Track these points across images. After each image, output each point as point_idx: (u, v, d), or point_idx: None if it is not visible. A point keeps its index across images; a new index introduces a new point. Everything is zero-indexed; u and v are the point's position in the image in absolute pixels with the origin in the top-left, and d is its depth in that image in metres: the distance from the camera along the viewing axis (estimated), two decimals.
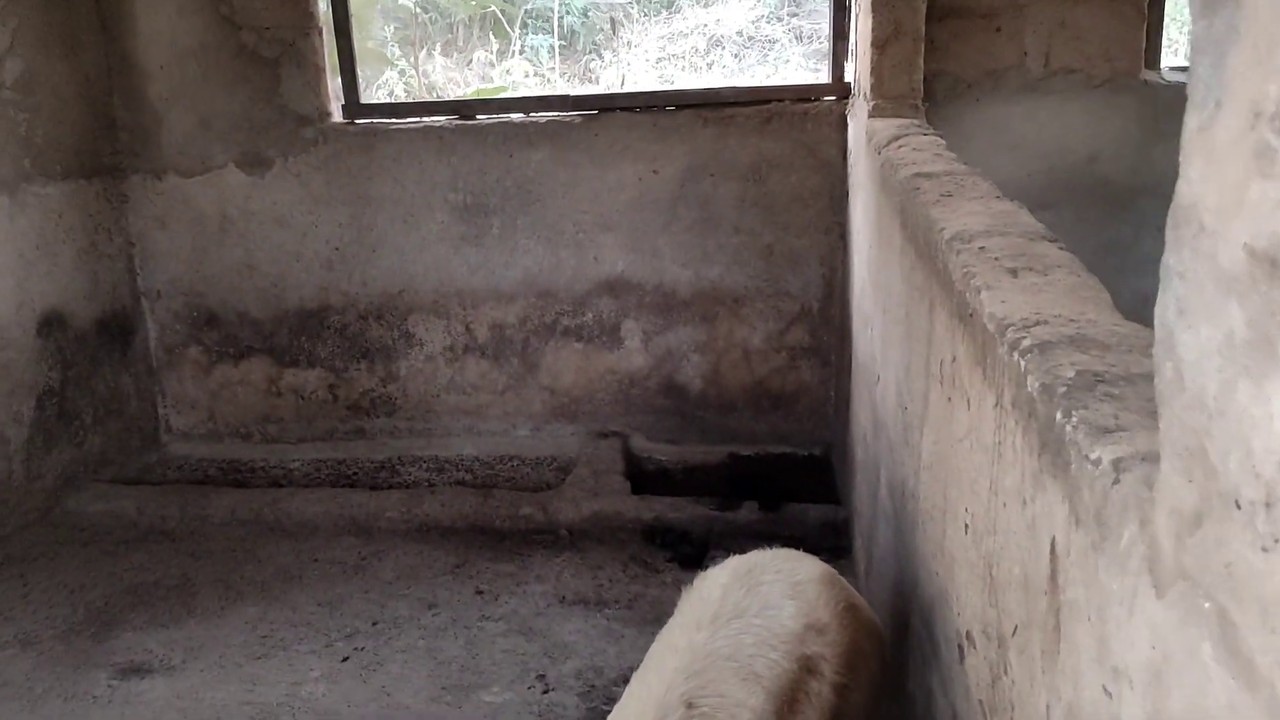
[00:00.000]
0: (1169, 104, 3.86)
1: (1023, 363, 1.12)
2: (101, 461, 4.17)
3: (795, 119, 3.99)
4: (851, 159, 3.71)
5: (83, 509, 3.91)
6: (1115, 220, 3.96)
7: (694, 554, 3.48)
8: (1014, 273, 1.41)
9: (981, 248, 1.53)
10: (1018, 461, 1.15)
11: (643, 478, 4.26)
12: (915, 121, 3.05)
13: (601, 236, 4.17)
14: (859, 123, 3.45)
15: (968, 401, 1.43)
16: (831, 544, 3.55)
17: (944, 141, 2.68)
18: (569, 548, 3.61)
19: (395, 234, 4.21)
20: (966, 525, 1.45)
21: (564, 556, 3.55)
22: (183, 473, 4.43)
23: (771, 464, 4.35)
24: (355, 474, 4.40)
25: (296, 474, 4.43)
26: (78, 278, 3.98)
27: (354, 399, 4.47)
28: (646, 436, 4.42)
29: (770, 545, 3.57)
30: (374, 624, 3.14)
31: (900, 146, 2.65)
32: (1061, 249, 1.51)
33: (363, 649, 3.00)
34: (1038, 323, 1.19)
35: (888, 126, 2.94)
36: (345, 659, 2.94)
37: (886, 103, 3.23)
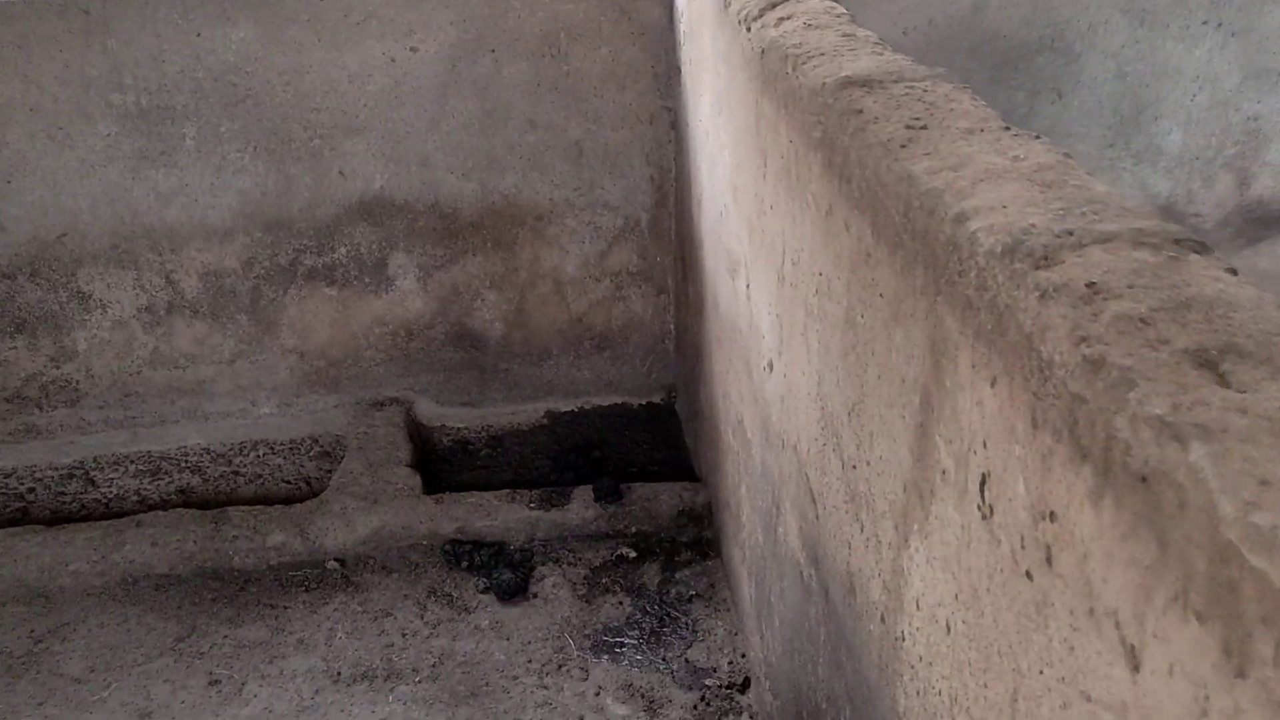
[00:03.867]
0: None
1: None
2: None
3: None
4: (684, 22, 2.92)
5: None
6: (1006, 84, 3.38)
7: (515, 580, 2.76)
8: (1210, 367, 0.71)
9: (1094, 290, 0.82)
10: None
11: (436, 456, 3.48)
12: None
13: (347, 143, 3.22)
14: None
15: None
16: (693, 538, 2.93)
17: (842, 9, 1.93)
18: (341, 587, 2.81)
19: (39, 155, 3.10)
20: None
21: (335, 603, 2.75)
22: None
23: (600, 419, 3.66)
24: (32, 490, 3.39)
25: None
26: None
27: (14, 388, 3.40)
28: (436, 400, 3.62)
29: (613, 549, 2.93)
30: None
31: (783, 20, 1.88)
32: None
33: None
34: None
35: None
36: None
37: None
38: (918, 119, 1.25)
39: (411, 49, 3.11)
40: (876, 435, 1.29)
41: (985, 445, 0.95)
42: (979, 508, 0.97)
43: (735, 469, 2.49)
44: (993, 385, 0.92)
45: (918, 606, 1.18)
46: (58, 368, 3.39)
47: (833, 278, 1.43)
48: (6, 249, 3.19)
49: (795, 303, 1.68)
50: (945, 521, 1.07)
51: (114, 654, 2.60)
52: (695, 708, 2.33)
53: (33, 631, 2.69)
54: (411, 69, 3.14)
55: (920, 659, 1.18)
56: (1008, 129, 1.21)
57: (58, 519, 3.27)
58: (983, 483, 0.96)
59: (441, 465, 3.48)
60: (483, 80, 3.19)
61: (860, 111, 1.31)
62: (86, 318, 3.33)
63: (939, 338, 1.04)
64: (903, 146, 1.18)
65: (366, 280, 3.43)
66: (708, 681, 2.41)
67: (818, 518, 1.63)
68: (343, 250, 3.38)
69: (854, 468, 1.40)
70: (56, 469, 3.45)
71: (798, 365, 1.71)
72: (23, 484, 3.40)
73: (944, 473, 1.06)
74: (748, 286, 2.14)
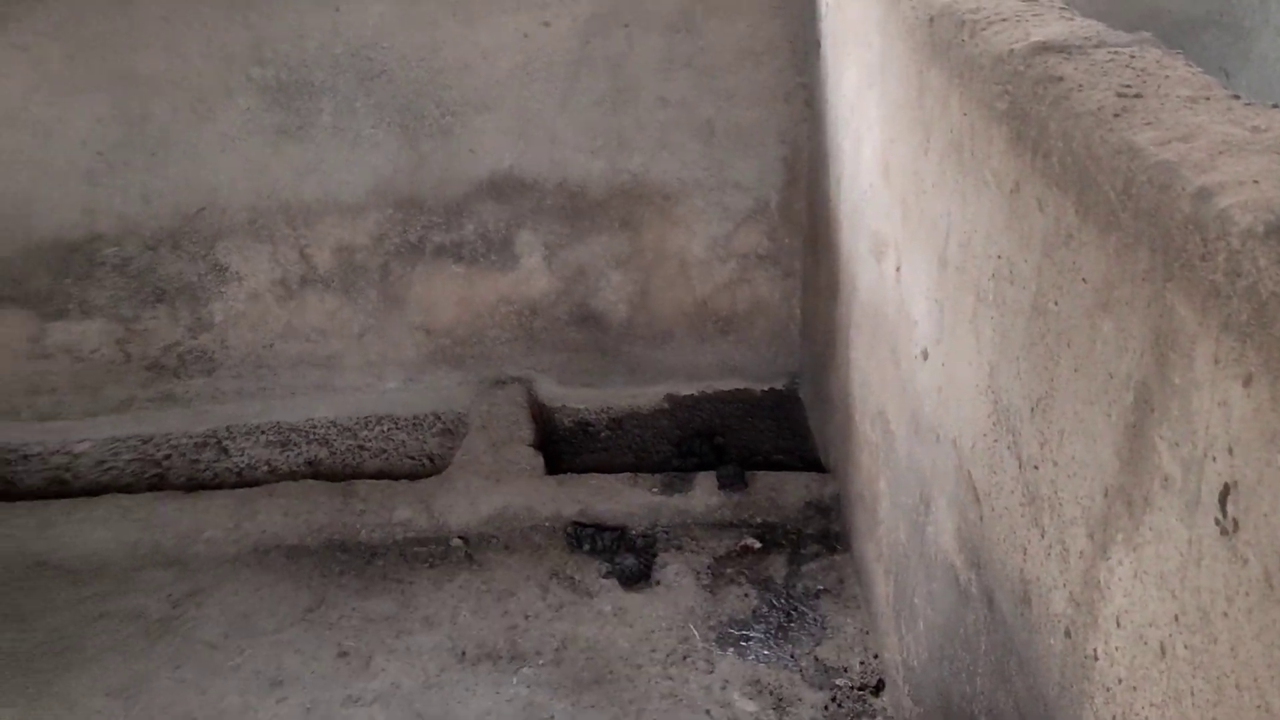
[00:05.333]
0: None
1: None
2: None
3: None
4: None
5: None
6: None
7: (638, 566, 2.70)
8: None
9: None
10: None
11: (557, 437, 3.45)
12: None
13: (477, 119, 3.18)
14: None
15: None
16: (820, 531, 2.83)
17: None
18: (465, 565, 2.79)
19: (182, 129, 3.14)
20: None
21: (460, 580, 2.73)
22: None
23: (721, 404, 3.58)
24: (168, 456, 3.46)
25: (85, 461, 3.46)
26: None
27: (154, 356, 3.47)
28: (557, 380, 3.58)
29: (737, 538, 2.84)
30: None
31: None
32: None
33: None
34: None
35: None
36: None
37: None
38: (1129, 86, 1.13)
39: (544, 24, 3.06)
40: (1068, 434, 1.17)
41: (1230, 452, 0.83)
42: (1217, 521, 0.85)
43: (872, 461, 2.38)
44: (1246, 385, 0.80)
45: (1118, 624, 1.06)
46: (195, 338, 3.45)
47: (1017, 261, 1.31)
48: (150, 221, 3.25)
49: (963, 288, 1.57)
50: (1164, 534, 0.95)
51: (247, 621, 2.62)
52: (826, 708, 2.24)
53: (170, 595, 2.74)
54: (544, 45, 3.08)
55: (1120, 681, 1.06)
56: (1237, 97, 1.08)
57: (193, 485, 3.33)
58: (1224, 494, 0.84)
59: (562, 446, 3.44)
60: (615, 56, 3.12)
61: (1060, 79, 1.19)
62: (223, 289, 3.38)
63: (1167, 329, 0.92)
64: (1116, 116, 1.06)
65: (493, 258, 3.40)
66: (838, 681, 2.31)
67: (981, 519, 1.52)
68: (470, 228, 3.35)
69: (1035, 468, 1.28)
70: (192, 437, 3.52)
71: (962, 354, 1.59)
72: (160, 450, 3.48)
73: (1165, 480, 0.94)
74: (898, 269, 2.02)
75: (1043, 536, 1.26)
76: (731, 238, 3.40)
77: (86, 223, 3.24)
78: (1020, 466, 1.34)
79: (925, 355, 1.81)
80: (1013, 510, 1.37)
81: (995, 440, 1.44)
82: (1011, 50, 1.33)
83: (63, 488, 3.35)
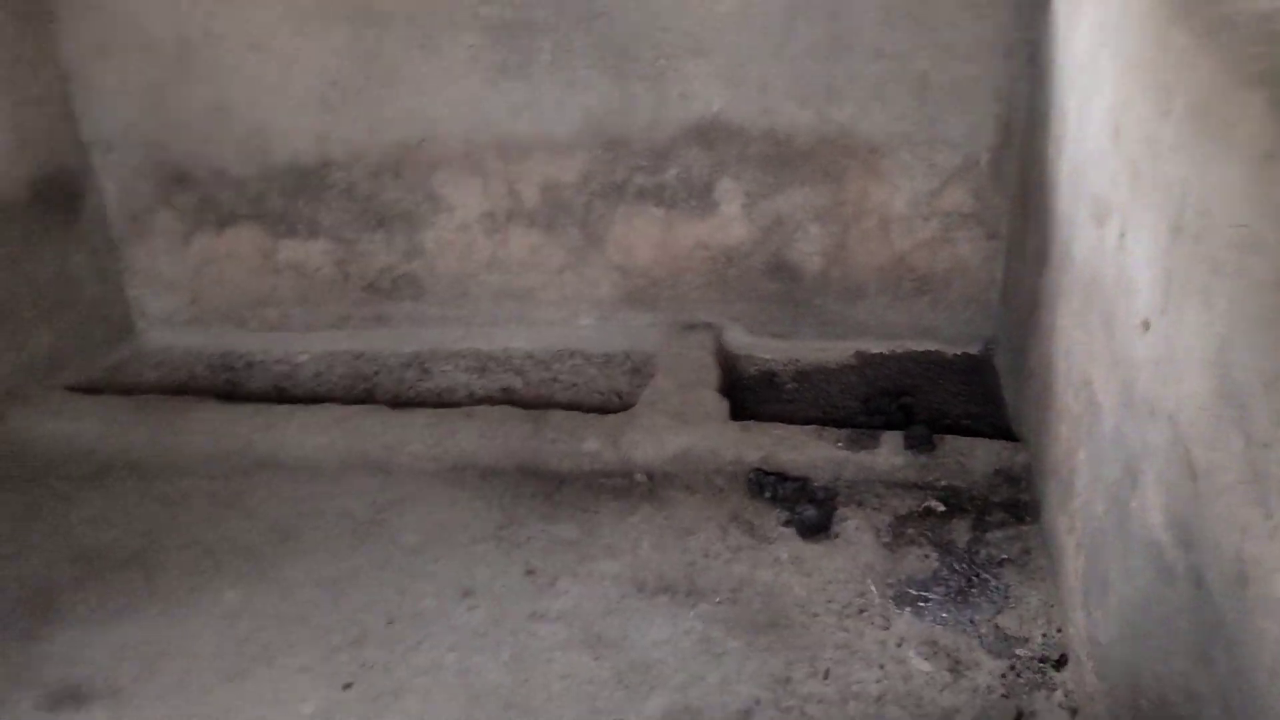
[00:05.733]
0: None
1: None
2: (53, 364, 3.50)
3: None
4: None
5: (31, 431, 3.28)
6: None
7: (819, 517, 2.73)
8: None
9: None
10: None
11: (742, 385, 3.48)
12: None
13: (690, 64, 3.22)
14: None
15: None
16: (1007, 499, 2.78)
17: None
18: (648, 499, 2.88)
19: (411, 63, 3.31)
20: None
21: (641, 513, 2.83)
22: (164, 371, 3.76)
23: (911, 365, 3.53)
24: (377, 372, 3.70)
25: (304, 371, 3.74)
26: None
27: (370, 278, 3.70)
28: (746, 329, 3.61)
29: (920, 500, 2.83)
30: (389, 622, 2.48)
31: None
32: None
33: (372, 666, 2.34)
34: None
35: None
36: (348, 685, 2.30)
37: None
38: None
39: None
40: None
41: None
42: None
43: (1072, 433, 2.31)
44: None
45: None
46: (408, 263, 3.65)
47: (1265, 233, 1.25)
48: (376, 150, 3.44)
49: (1196, 258, 1.51)
50: None
51: (443, 532, 2.80)
52: (1004, 676, 2.22)
53: (374, 502, 2.94)
54: None
55: None
56: None
57: (397, 402, 3.53)
58: None
59: (746, 394, 3.47)
60: (832, 5, 3.09)
61: None
62: (436, 219, 3.56)
63: None
64: None
65: (693, 203, 3.44)
66: (1019, 651, 2.28)
67: (1196, 496, 1.47)
68: (673, 172, 3.40)
69: (1265, 446, 1.24)
70: (398, 356, 3.75)
71: (1189, 327, 1.53)
72: (369, 367, 3.72)
73: None
74: (1121, 236, 1.95)
75: (1269, 518, 1.22)
76: (936, 195, 3.33)
77: (319, 149, 3.47)
78: (1247, 444, 1.29)
79: (1146, 326, 1.75)
80: (1234, 488, 1.33)
81: (1219, 416, 1.39)
82: (1276, 9, 1.26)
83: (282, 394, 3.62)
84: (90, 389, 3.53)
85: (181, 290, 3.79)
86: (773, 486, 2.86)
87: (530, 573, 2.63)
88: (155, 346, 3.85)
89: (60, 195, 3.46)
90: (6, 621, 2.55)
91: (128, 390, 3.56)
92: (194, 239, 3.70)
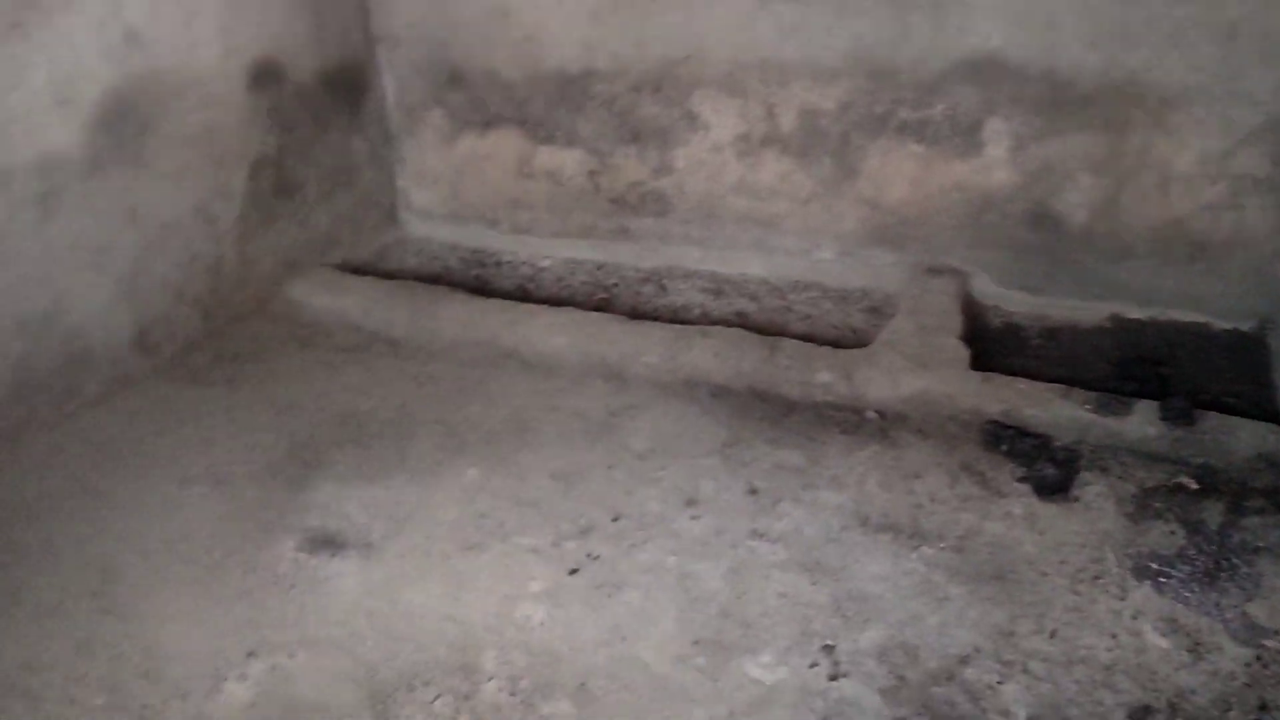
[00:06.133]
0: None
1: None
2: (330, 242, 3.79)
3: None
4: None
5: (305, 301, 3.57)
6: None
7: (1058, 477, 2.63)
8: None
9: None
10: None
11: (984, 335, 3.38)
12: None
13: None
14: None
15: None
16: (1268, 486, 2.60)
17: None
18: (877, 438, 2.86)
19: None
20: None
21: (869, 450, 2.81)
22: (422, 260, 4.00)
23: (1173, 334, 3.33)
24: (615, 284, 3.80)
25: (547, 275, 3.89)
26: (296, 19, 3.43)
27: (619, 191, 3.79)
28: (995, 279, 3.49)
29: (1171, 475, 2.68)
30: (615, 519, 2.59)
31: None
32: None
33: (597, 557, 2.45)
34: None
35: None
36: (574, 571, 2.41)
37: None
38: None
39: None
40: None
41: None
42: None
43: None
44: None
45: None
46: (656, 180, 3.71)
47: None
48: (639, 64, 3.49)
49: None
50: None
51: (671, 442, 2.87)
52: (1249, 665, 2.09)
53: (608, 405, 3.05)
54: None
55: None
56: None
57: (633, 315, 3.63)
58: None
59: (988, 345, 3.36)
60: None
61: None
62: (690, 138, 3.59)
63: None
64: None
65: (956, 142, 3.33)
66: (1267, 643, 2.15)
67: None
68: (939, 108, 3.30)
69: None
70: (638, 270, 3.84)
71: None
72: (609, 278, 3.82)
73: None
74: None
75: None
76: (1228, 156, 3.09)
77: (585, 59, 3.55)
78: None
79: None
80: None
81: None
82: None
83: (525, 295, 3.78)
84: (357, 269, 3.79)
85: (444, 186, 3.99)
86: (1010, 440, 2.78)
87: (753, 492, 2.67)
88: (415, 236, 4.10)
89: (347, 86, 3.70)
90: (278, 469, 2.82)
91: (389, 274, 3.81)
92: (460, 138, 3.88)
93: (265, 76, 3.36)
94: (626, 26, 3.47)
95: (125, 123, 2.94)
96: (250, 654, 2.20)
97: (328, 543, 2.53)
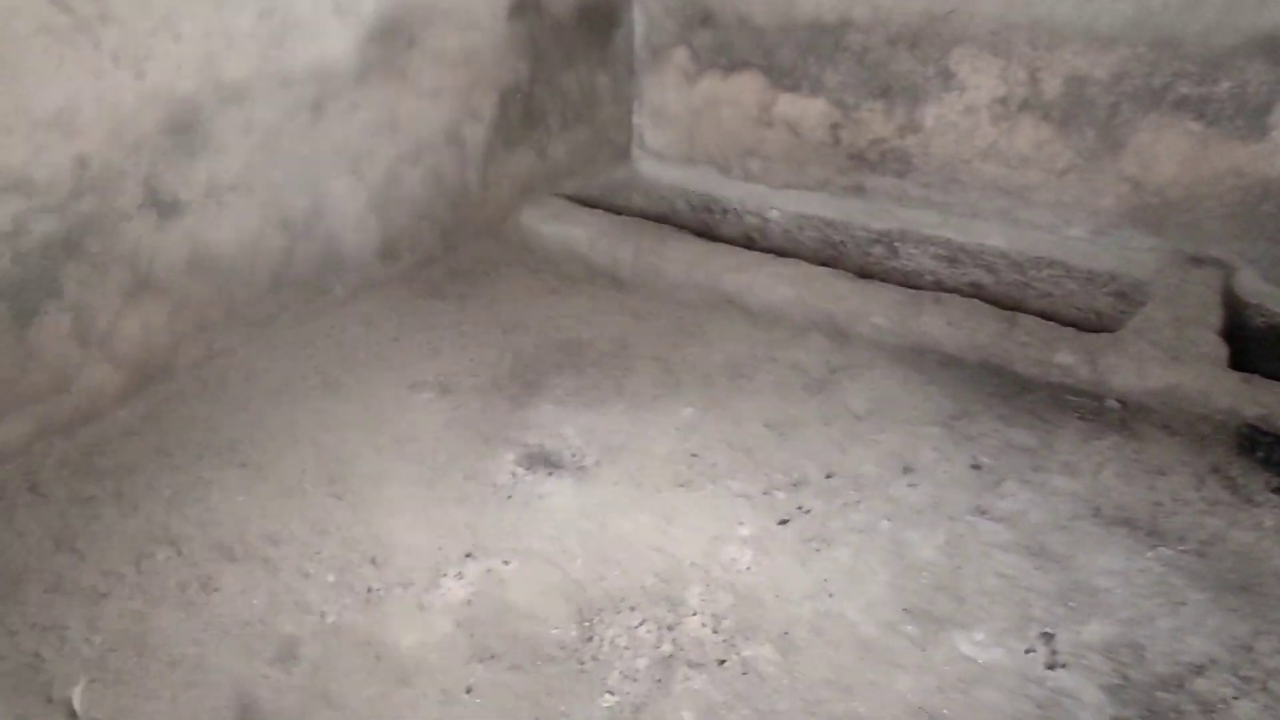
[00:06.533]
0: None
1: None
2: (564, 173, 3.86)
3: None
4: None
5: (536, 228, 3.65)
6: None
7: None
8: None
9: None
10: None
11: (1244, 334, 3.12)
12: None
13: None
14: None
15: None
16: None
17: None
18: (1117, 429, 2.69)
19: None
20: None
21: (1108, 441, 2.65)
22: (649, 200, 4.03)
23: None
24: (843, 242, 3.72)
25: (774, 226, 3.85)
26: None
27: (859, 146, 3.69)
28: (1264, 275, 3.21)
29: None
30: (828, 475, 2.54)
31: None
32: None
33: (808, 511, 2.42)
34: None
35: None
36: (784, 521, 2.39)
37: None
38: None
39: None
40: None
41: None
42: None
43: None
44: None
45: None
46: (901, 138, 3.59)
47: None
48: (899, 16, 3.37)
49: None
50: None
51: (892, 406, 2.80)
52: None
53: (828, 362, 3.00)
54: None
55: None
56: None
57: (860, 274, 3.54)
58: None
59: (1248, 345, 3.11)
60: None
61: None
62: (943, 97, 3.45)
63: None
64: None
65: (1238, 124, 3.07)
66: None
67: None
68: (1225, 85, 3.04)
69: None
70: (868, 231, 3.74)
71: None
72: (837, 235, 3.75)
73: None
74: None
75: None
76: None
77: (843, 8, 3.46)
78: None
79: None
80: None
81: None
82: None
83: (750, 244, 3.75)
84: (586, 202, 3.85)
85: (679, 127, 3.99)
86: (1268, 448, 2.57)
87: (976, 467, 2.57)
88: (645, 175, 4.12)
89: (599, 20, 3.74)
90: (500, 385, 2.91)
91: (617, 210, 3.85)
92: (701, 80, 3.86)
93: (526, 5, 3.44)
94: None
95: (395, 37, 3.07)
96: (468, 555, 2.29)
97: (545, 461, 2.60)
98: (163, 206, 2.70)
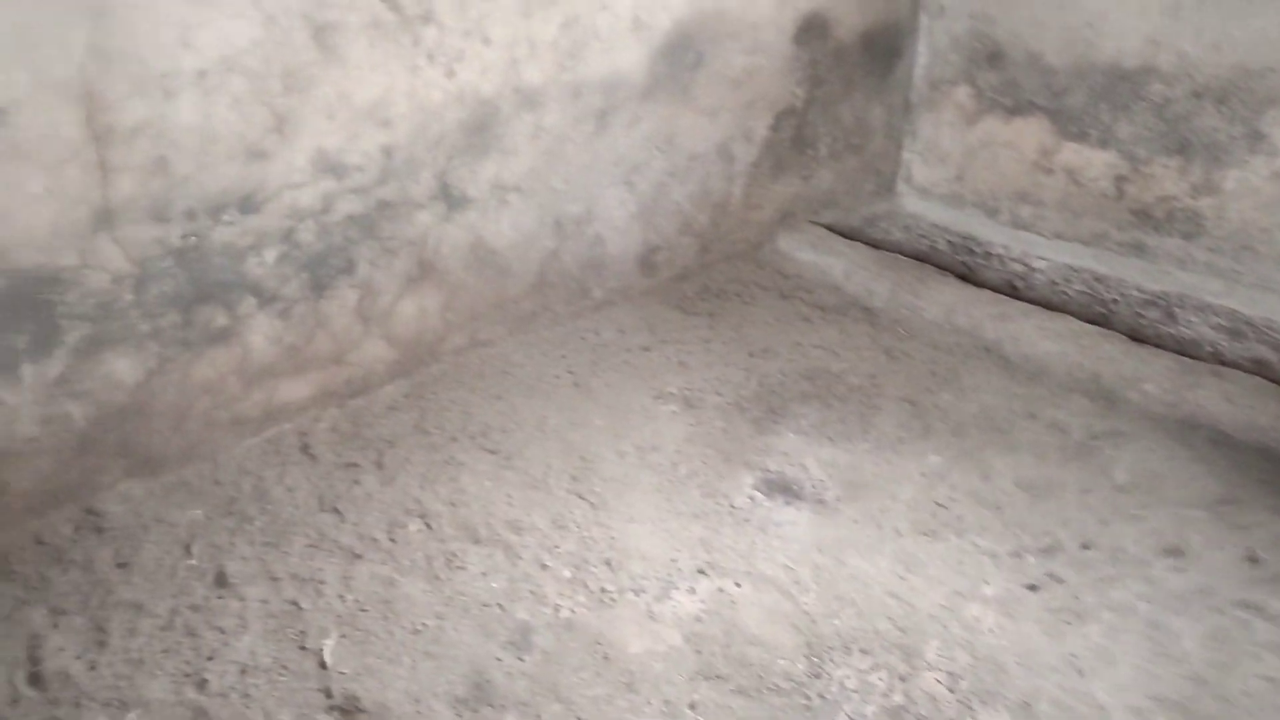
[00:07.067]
0: None
1: None
2: (826, 201, 3.85)
3: None
4: None
5: (793, 254, 3.67)
6: None
7: None
8: None
9: None
10: None
11: None
12: None
13: None
14: None
15: None
16: None
17: None
18: None
19: None
20: None
21: None
22: (908, 235, 3.97)
23: None
24: (1115, 300, 3.54)
25: (1039, 277, 3.71)
26: None
27: (1145, 203, 3.50)
28: None
29: None
30: (1084, 546, 2.43)
31: None
32: None
33: (1061, 581, 2.32)
34: None
35: None
36: (1033, 587, 2.30)
37: None
38: None
39: None
40: None
41: None
42: None
43: None
44: None
45: None
46: (1194, 198, 3.38)
47: None
48: (1209, 68, 3.18)
49: None
50: None
51: (1156, 481, 2.64)
52: None
53: (1090, 426, 2.86)
54: None
55: None
56: None
57: (1131, 338, 3.36)
58: None
59: None
60: None
61: None
62: (1249, 159, 3.23)
63: None
64: None
65: None
66: None
67: None
68: None
69: None
70: (1143, 292, 3.54)
71: None
72: (1109, 293, 3.56)
73: None
74: None
75: None
76: None
77: (1147, 54, 3.30)
78: None
79: None
80: None
81: None
82: None
83: (1013, 293, 3.62)
84: (845, 232, 3.84)
85: (950, 166, 3.91)
86: None
87: (1251, 560, 2.39)
88: (908, 211, 4.06)
89: (882, 50, 3.72)
90: (744, 407, 2.94)
91: (874, 244, 3.82)
92: (981, 119, 3.77)
93: (811, 30, 3.46)
94: (1205, 25, 3.16)
95: (684, 54, 3.16)
96: (700, 571, 2.33)
97: (784, 489, 2.60)
98: (452, 200, 2.88)
